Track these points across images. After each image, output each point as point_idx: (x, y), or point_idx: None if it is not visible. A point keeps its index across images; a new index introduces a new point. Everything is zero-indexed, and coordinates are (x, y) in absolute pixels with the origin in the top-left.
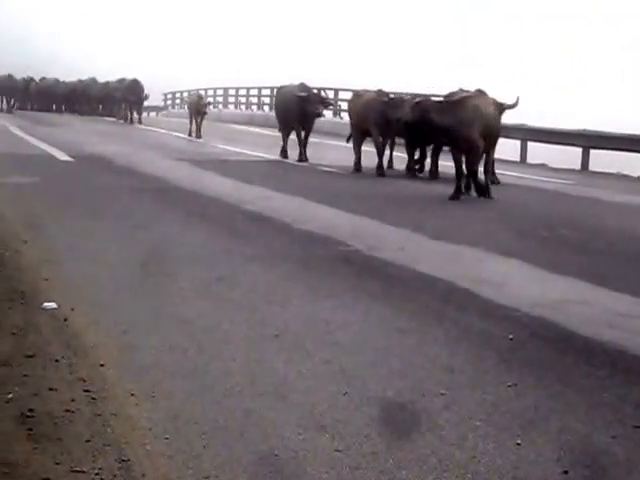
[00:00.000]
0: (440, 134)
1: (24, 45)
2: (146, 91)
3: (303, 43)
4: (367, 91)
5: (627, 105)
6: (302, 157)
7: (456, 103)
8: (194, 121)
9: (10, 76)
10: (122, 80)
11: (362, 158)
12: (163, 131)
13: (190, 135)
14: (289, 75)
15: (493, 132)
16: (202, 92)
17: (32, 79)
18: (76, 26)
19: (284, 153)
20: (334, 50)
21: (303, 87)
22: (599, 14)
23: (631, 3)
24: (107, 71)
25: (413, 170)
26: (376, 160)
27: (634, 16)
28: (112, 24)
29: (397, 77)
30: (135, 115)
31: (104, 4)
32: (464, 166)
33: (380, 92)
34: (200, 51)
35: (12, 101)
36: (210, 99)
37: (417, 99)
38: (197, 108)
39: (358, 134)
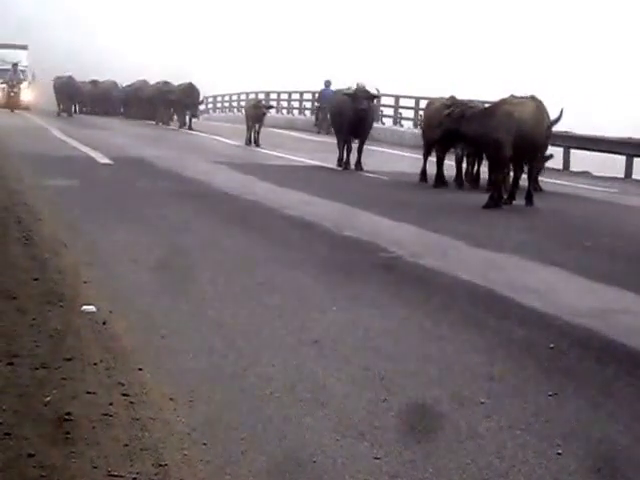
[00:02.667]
0: (469, 142)
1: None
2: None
3: (351, 46)
4: (440, 99)
5: None
6: (343, 163)
7: (486, 110)
8: (252, 128)
9: (71, 78)
10: (167, 83)
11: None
12: (204, 135)
13: (248, 144)
14: (337, 79)
15: (532, 140)
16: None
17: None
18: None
19: (340, 162)
20: (395, 55)
21: (363, 90)
22: None
23: None
24: (139, 72)
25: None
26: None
27: None
28: (146, 25)
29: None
30: (187, 119)
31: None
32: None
33: (451, 100)
34: (239, 54)
35: (74, 104)
36: (273, 103)
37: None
38: (255, 114)
39: (427, 143)
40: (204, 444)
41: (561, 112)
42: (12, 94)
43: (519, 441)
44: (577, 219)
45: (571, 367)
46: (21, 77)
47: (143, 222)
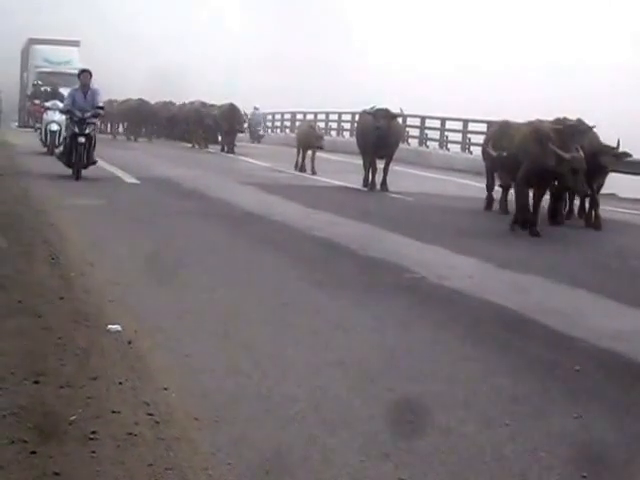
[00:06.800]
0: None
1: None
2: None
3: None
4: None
5: None
6: (368, 184)
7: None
8: (303, 154)
9: (142, 100)
10: (204, 104)
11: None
12: (231, 156)
13: (298, 169)
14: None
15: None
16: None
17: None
18: None
19: (366, 183)
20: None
21: (381, 110)
22: None
23: None
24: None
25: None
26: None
27: None
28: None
29: None
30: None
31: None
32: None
33: (558, 122)
34: (260, 73)
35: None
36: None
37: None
38: (308, 140)
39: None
40: (229, 464)
41: (618, 143)
42: (81, 140)
43: (544, 464)
44: (604, 241)
45: (597, 389)
46: (98, 101)
47: (168, 242)
